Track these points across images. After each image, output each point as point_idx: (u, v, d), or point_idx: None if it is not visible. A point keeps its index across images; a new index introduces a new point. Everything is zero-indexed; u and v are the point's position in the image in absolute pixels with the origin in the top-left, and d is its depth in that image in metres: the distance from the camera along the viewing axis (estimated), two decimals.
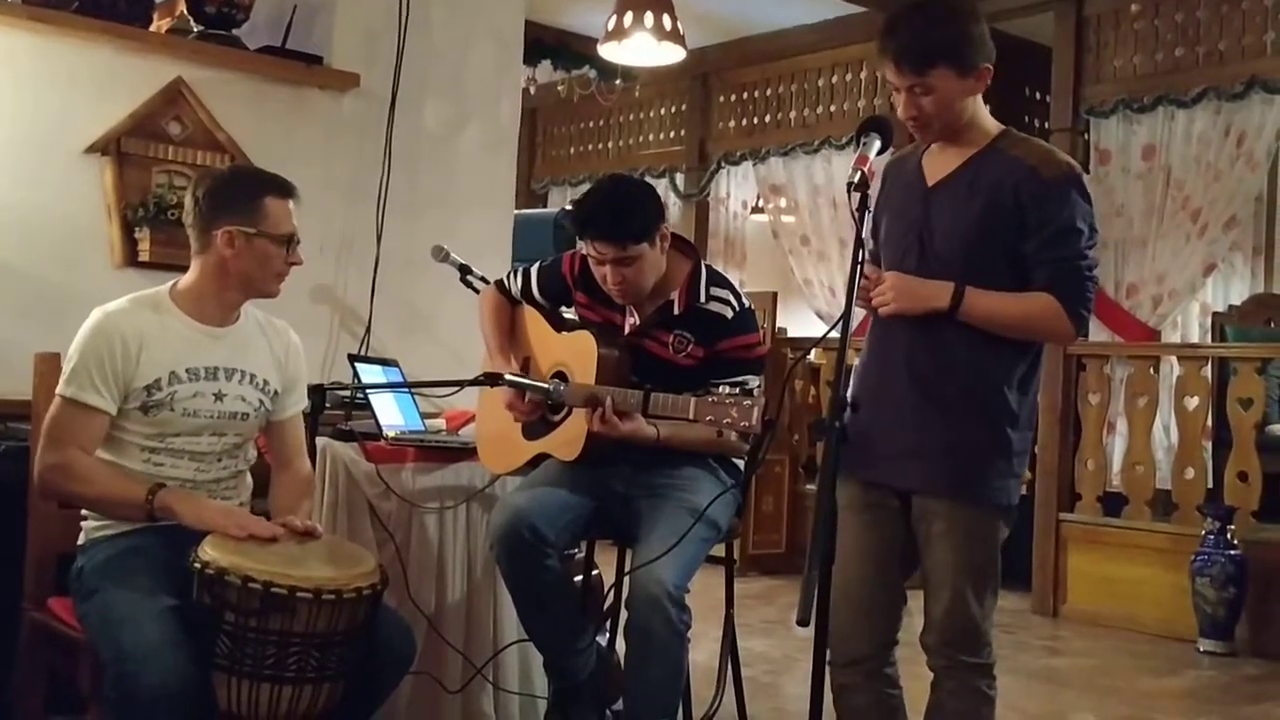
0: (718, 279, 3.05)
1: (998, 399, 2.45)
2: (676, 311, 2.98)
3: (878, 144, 2.37)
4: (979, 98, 2.50)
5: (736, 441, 2.95)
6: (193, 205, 2.57)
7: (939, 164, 2.52)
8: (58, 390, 2.47)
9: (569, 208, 4.37)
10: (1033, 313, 2.42)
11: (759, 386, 2.96)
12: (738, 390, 2.61)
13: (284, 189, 2.60)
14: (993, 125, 2.53)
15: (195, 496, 2.50)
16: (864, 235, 2.29)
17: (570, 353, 3.03)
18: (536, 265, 3.22)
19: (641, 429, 2.83)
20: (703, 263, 3.06)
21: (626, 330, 3.03)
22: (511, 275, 3.26)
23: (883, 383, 2.50)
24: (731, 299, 3.00)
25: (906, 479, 2.49)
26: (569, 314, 3.24)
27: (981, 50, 2.44)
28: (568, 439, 2.97)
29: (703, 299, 2.98)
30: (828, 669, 2.50)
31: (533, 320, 3.21)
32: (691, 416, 2.62)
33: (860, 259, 2.27)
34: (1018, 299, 2.43)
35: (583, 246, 2.97)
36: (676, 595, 2.72)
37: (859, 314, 2.45)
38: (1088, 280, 2.43)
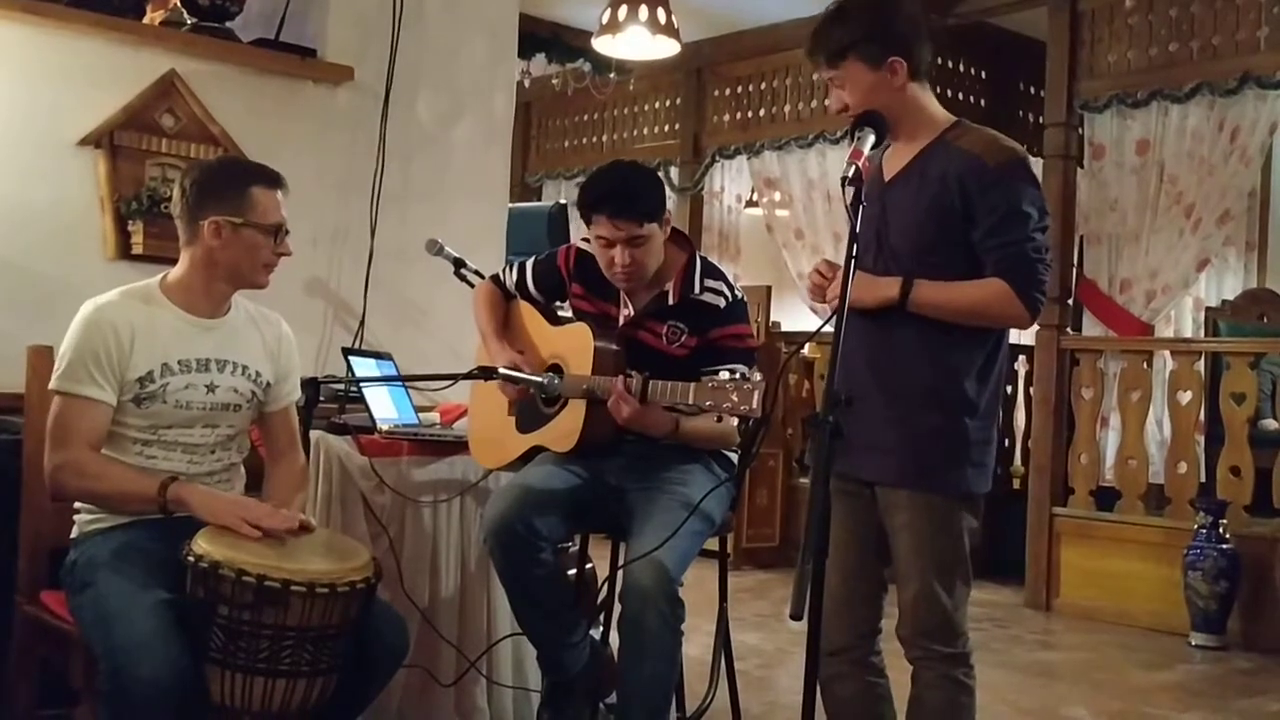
0: (711, 270, 3.06)
1: (955, 390, 2.48)
2: (671, 302, 2.99)
3: (872, 138, 2.39)
4: (922, 91, 2.54)
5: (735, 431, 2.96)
6: (180, 196, 2.57)
7: (895, 160, 2.57)
8: (53, 387, 2.46)
9: (560, 203, 4.38)
10: (984, 299, 2.44)
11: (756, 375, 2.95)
12: (737, 375, 2.60)
13: (271, 179, 2.60)
14: (943, 117, 2.56)
15: (208, 489, 2.50)
16: (856, 229, 2.29)
17: (566, 345, 3.04)
18: (531, 260, 3.22)
19: (662, 416, 2.83)
20: (697, 254, 3.07)
21: (621, 321, 3.03)
22: (507, 269, 3.27)
23: (846, 376, 2.51)
24: (724, 290, 3.01)
25: (868, 471, 2.53)
26: (563, 310, 3.24)
27: (893, 44, 2.48)
28: (563, 431, 2.97)
29: (697, 290, 2.99)
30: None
31: (528, 314, 3.21)
32: (691, 400, 2.62)
33: (854, 253, 2.28)
34: (968, 287, 2.45)
35: (593, 228, 2.95)
36: (670, 589, 2.72)
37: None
38: (1038, 263, 2.44)
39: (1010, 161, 2.45)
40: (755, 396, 2.51)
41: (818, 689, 2.49)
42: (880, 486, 2.53)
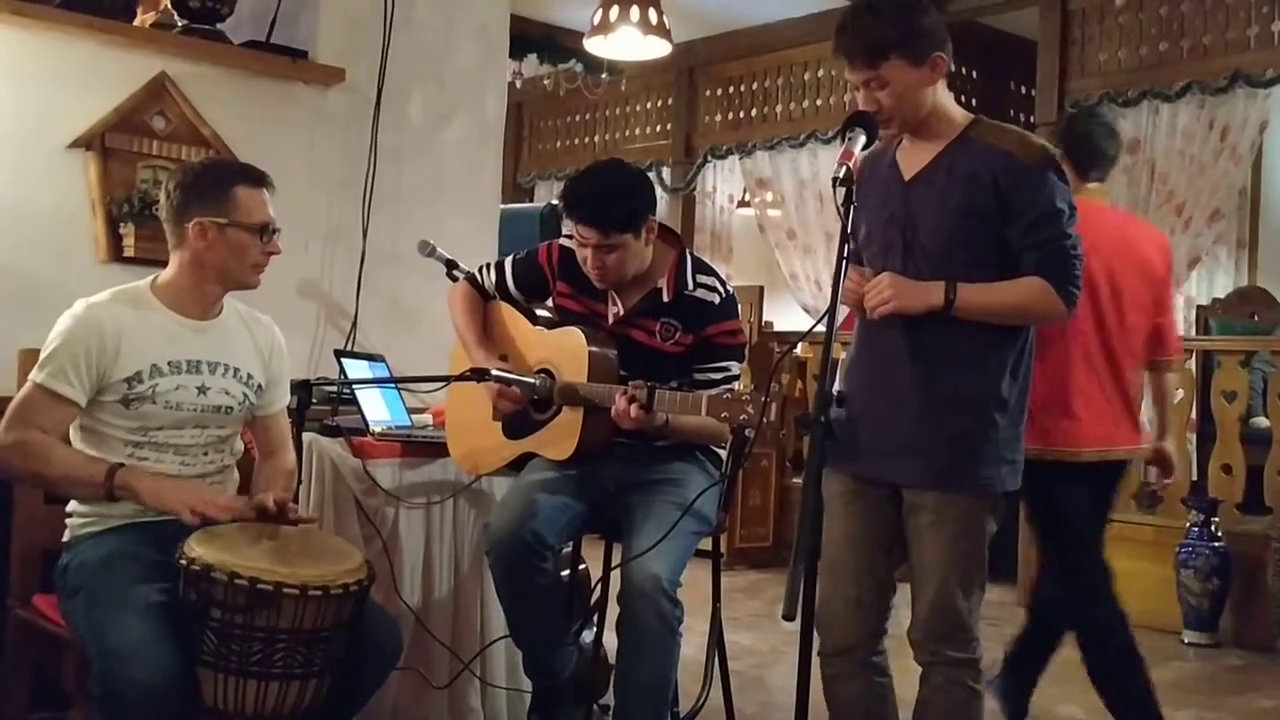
0: (702, 267, 3.06)
1: (992, 389, 2.46)
2: (666, 299, 2.97)
3: (863, 138, 2.37)
4: (943, 89, 2.50)
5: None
6: (165, 199, 2.57)
7: (913, 158, 2.52)
8: (31, 375, 2.46)
9: (553, 203, 4.37)
10: (1026, 298, 2.43)
11: (748, 383, 2.96)
12: (751, 388, 2.61)
13: (255, 178, 2.59)
14: (961, 115, 2.53)
15: (156, 476, 2.48)
16: (848, 229, 2.29)
17: (557, 350, 3.00)
18: (510, 259, 3.17)
19: (659, 416, 2.82)
20: (687, 251, 3.06)
21: (610, 320, 3.01)
22: (485, 270, 3.20)
23: (878, 380, 2.51)
24: (717, 285, 3.01)
25: (898, 474, 2.50)
26: (542, 311, 3.19)
27: (933, 40, 2.44)
28: (558, 438, 2.94)
29: (690, 286, 2.99)
30: (817, 658, 2.53)
31: (510, 317, 3.16)
32: (705, 413, 2.61)
33: (845, 253, 2.27)
34: (1008, 287, 2.43)
35: (567, 226, 2.96)
36: (669, 589, 2.73)
37: (844, 308, 2.45)
38: (1074, 259, 2.44)
39: (1044, 159, 2.44)
40: (773, 409, 2.52)
41: (826, 685, 2.58)
42: (908, 489, 2.50)
